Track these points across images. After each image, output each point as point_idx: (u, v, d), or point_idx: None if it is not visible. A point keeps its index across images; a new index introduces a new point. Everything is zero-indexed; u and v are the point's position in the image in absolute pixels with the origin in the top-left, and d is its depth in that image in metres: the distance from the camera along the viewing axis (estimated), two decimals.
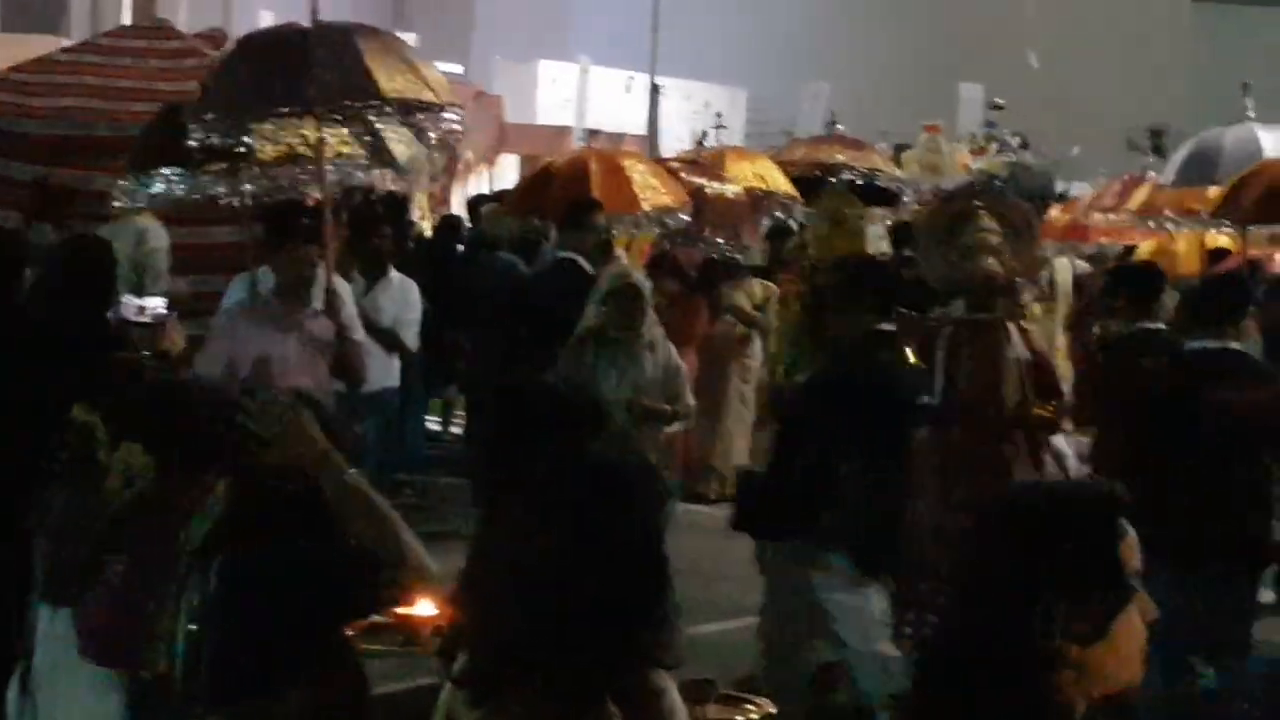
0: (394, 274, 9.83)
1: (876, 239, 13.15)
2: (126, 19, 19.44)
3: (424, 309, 9.98)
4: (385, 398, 9.63)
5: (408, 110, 7.28)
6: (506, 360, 9.17)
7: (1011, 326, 5.86)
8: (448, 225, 14.61)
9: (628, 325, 7.53)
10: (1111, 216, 15.52)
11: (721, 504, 9.67)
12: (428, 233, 15.50)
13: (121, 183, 8.16)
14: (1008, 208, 6.02)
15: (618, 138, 22.18)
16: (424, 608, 5.28)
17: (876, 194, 12.98)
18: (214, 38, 11.74)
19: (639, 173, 10.67)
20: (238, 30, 13.72)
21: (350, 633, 3.74)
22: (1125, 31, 33.35)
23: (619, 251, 10.03)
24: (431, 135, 7.59)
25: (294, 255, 7.10)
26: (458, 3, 33.52)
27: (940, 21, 34.37)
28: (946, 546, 5.91)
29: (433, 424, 13.42)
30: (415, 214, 15.93)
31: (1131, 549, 2.39)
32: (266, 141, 7.55)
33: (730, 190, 12.02)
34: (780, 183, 12.79)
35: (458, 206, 18.12)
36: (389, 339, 9.43)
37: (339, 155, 7.74)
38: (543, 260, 11.06)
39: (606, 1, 31.68)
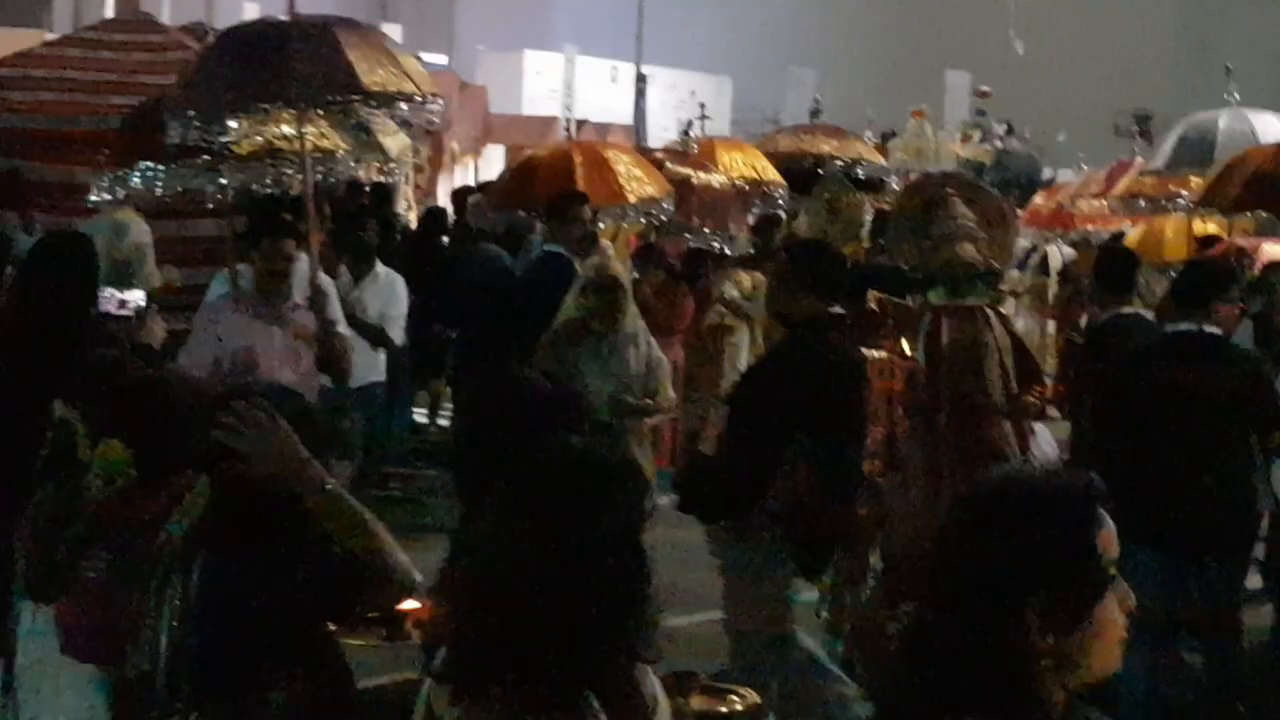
0: (380, 269, 9.82)
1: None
2: (109, 12, 19.43)
3: (410, 302, 9.98)
4: (371, 392, 9.64)
5: (390, 102, 7.28)
6: (492, 353, 9.16)
7: (990, 312, 5.84)
8: (433, 217, 14.59)
9: (608, 318, 7.50)
10: (1096, 203, 15.54)
11: None
12: (413, 224, 15.48)
13: (104, 177, 8.15)
14: (979, 194, 6.00)
15: (604, 128, 22.18)
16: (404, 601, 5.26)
17: (859, 182, 13.01)
18: (196, 31, 11.74)
19: (623, 164, 10.65)
20: (220, 23, 13.69)
21: (332, 627, 3.73)
22: (1110, 18, 33.37)
23: (605, 243, 10.01)
24: (413, 126, 7.58)
25: (269, 249, 7.09)
26: None
27: (926, 9, 34.39)
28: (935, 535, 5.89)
29: (420, 416, 13.41)
30: (401, 206, 15.91)
31: (1109, 538, 2.38)
32: (246, 137, 7.55)
33: (717, 180, 12.01)
34: (773, 172, 12.80)
35: (443, 198, 18.11)
36: (375, 334, 9.43)
37: (317, 149, 7.73)
38: (528, 253, 11.05)
39: None
